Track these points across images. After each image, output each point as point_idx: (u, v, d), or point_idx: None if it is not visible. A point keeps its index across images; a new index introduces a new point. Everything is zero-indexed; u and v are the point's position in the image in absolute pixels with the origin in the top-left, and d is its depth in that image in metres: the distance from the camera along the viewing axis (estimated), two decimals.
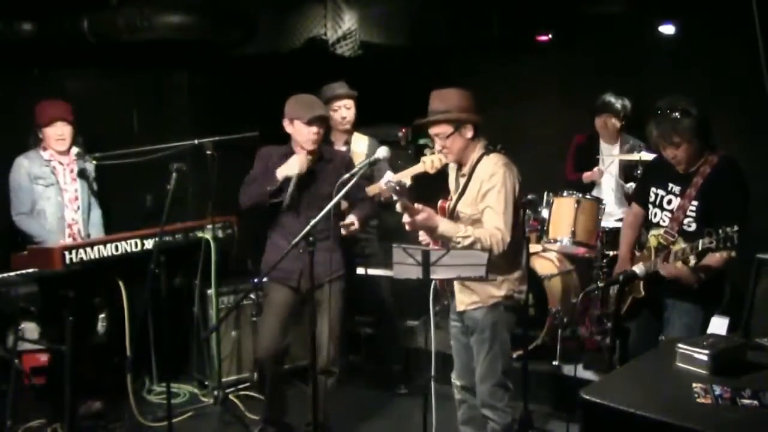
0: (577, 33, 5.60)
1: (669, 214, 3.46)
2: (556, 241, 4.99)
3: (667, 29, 5.28)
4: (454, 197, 3.49)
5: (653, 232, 3.54)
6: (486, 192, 3.32)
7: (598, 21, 5.35)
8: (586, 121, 5.38)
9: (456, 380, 3.66)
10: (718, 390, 2.41)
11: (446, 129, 3.37)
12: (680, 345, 2.66)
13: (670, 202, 3.47)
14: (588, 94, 5.33)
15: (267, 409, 4.15)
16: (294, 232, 3.79)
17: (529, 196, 3.89)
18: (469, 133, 3.38)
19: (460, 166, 3.52)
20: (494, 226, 3.27)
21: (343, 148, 4.74)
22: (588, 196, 5.00)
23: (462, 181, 3.48)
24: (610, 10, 5.13)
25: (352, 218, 3.93)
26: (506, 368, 3.51)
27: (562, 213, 4.93)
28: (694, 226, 3.36)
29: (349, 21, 5.04)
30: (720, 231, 3.00)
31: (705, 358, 2.57)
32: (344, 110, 4.71)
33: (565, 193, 4.99)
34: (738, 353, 2.71)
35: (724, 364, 2.57)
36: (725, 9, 4.53)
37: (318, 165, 3.95)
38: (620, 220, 4.73)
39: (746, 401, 2.35)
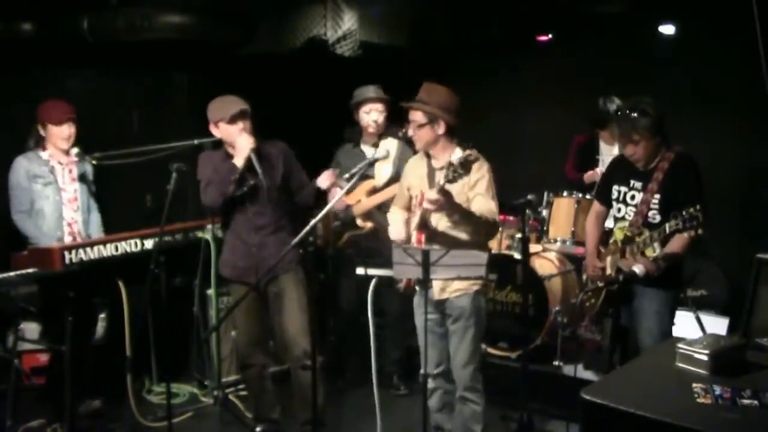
0: (578, 33, 5.60)
1: (633, 209, 3.66)
2: (556, 241, 5.00)
3: (667, 29, 5.29)
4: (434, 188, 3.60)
5: (619, 225, 3.75)
6: (476, 181, 3.52)
7: (598, 21, 5.35)
8: (586, 122, 5.37)
9: (430, 370, 3.67)
10: (718, 390, 2.41)
11: (421, 118, 3.58)
12: (680, 345, 2.66)
13: (633, 197, 3.68)
14: (588, 94, 5.33)
15: (255, 408, 4.21)
16: (242, 228, 3.95)
17: (529, 196, 3.92)
18: (441, 130, 3.57)
19: (428, 159, 3.69)
20: (488, 209, 3.49)
21: (371, 151, 4.71)
22: (588, 196, 5.00)
23: (441, 173, 3.54)
24: (610, 10, 5.13)
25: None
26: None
27: (562, 213, 4.93)
28: (658, 218, 3.56)
29: (349, 21, 5.03)
30: (684, 212, 3.15)
31: (705, 358, 2.57)
32: (375, 113, 4.69)
33: (565, 193, 5.00)
34: (738, 353, 2.71)
35: (724, 364, 2.58)
36: (725, 9, 4.53)
37: (259, 155, 3.88)
38: None
39: (746, 401, 2.35)
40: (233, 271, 4.03)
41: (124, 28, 4.91)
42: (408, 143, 4.56)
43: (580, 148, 5.43)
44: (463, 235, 3.57)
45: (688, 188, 3.49)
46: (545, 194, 5.06)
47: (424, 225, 3.54)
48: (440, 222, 3.56)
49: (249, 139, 3.82)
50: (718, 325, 4.82)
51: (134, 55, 5.32)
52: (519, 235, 4.68)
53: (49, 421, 4.18)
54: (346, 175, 3.62)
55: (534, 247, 5.06)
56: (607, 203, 3.86)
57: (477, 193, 3.51)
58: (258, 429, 4.17)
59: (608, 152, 5.29)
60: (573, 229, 4.89)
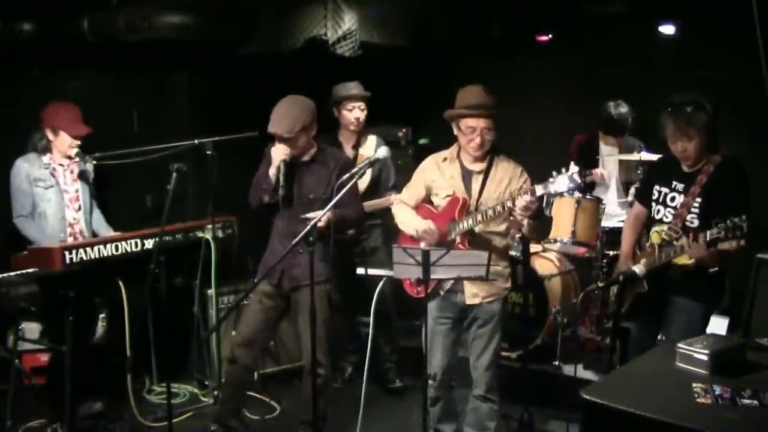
0: (577, 33, 5.59)
1: (672, 211, 3.51)
2: (556, 241, 5.00)
3: (667, 29, 5.28)
4: (472, 194, 3.59)
5: (656, 228, 3.58)
6: (521, 186, 3.56)
7: (598, 21, 5.34)
8: (586, 121, 5.37)
9: (438, 376, 3.68)
10: (718, 390, 2.41)
11: (490, 123, 3.52)
12: (680, 345, 2.67)
13: (673, 199, 3.52)
14: (588, 94, 5.33)
15: (220, 407, 4.14)
16: (284, 232, 3.93)
17: None
18: None
19: (459, 162, 3.63)
20: None
21: (352, 152, 4.71)
22: (588, 196, 5.00)
23: (479, 178, 3.61)
24: (611, 11, 5.13)
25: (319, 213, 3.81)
26: None
27: (562, 213, 4.93)
28: (696, 223, 3.41)
29: (349, 21, 5.03)
30: (728, 221, 3.04)
31: (705, 358, 2.58)
32: (358, 111, 4.68)
33: (565, 193, 4.98)
34: (738, 353, 2.72)
35: (724, 364, 2.58)
36: (725, 9, 4.53)
37: (310, 166, 3.94)
38: (622, 221, 4.73)
39: (746, 401, 2.35)
40: (263, 267, 4.01)
41: (124, 28, 4.91)
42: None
43: (580, 148, 5.43)
44: (499, 240, 3.61)
45: (733, 194, 3.34)
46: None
47: (469, 230, 3.54)
48: (485, 227, 3.56)
49: (282, 150, 3.81)
50: (718, 325, 4.81)
51: (134, 55, 5.32)
52: (519, 235, 4.68)
53: (49, 421, 4.18)
54: (346, 176, 3.59)
55: (534, 247, 5.06)
56: (648, 205, 3.69)
57: None
58: (213, 428, 4.12)
59: (608, 152, 5.30)
60: (573, 229, 4.89)
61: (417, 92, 4.69)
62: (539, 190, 3.32)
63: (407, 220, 3.74)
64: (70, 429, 3.93)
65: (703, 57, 5.16)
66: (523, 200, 3.33)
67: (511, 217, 3.59)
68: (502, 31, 5.49)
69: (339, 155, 4.09)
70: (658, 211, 3.58)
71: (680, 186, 3.50)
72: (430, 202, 3.77)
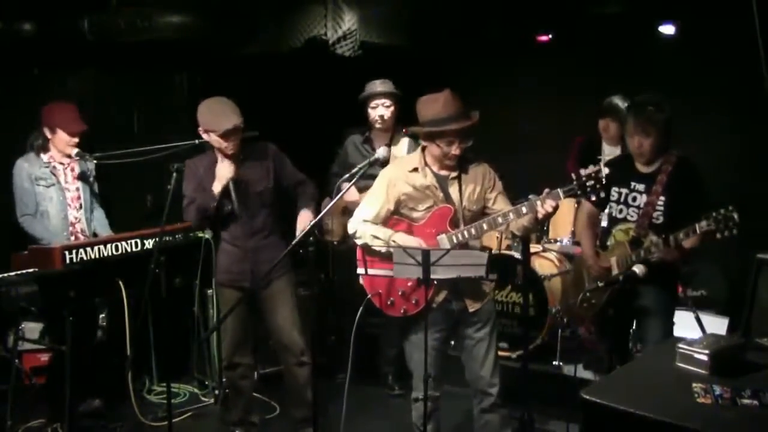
0: (577, 33, 5.60)
1: (636, 210, 3.69)
2: (556, 241, 5.01)
3: (667, 29, 5.29)
4: (454, 202, 3.45)
5: (620, 227, 3.76)
6: (494, 182, 3.56)
7: (598, 21, 5.34)
8: (586, 122, 5.37)
9: (432, 392, 3.48)
10: (718, 390, 2.41)
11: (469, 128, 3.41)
12: (680, 345, 2.67)
13: (635, 199, 3.70)
14: (588, 94, 5.33)
15: (235, 410, 4.17)
16: (236, 234, 3.95)
17: (530, 196, 3.93)
18: None
19: (429, 169, 3.47)
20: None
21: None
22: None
23: (454, 183, 3.47)
24: (610, 11, 5.13)
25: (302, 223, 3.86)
26: None
27: (562, 213, 4.92)
28: (662, 219, 3.60)
29: (349, 21, 5.03)
30: (715, 214, 3.20)
31: (705, 357, 2.58)
32: (382, 108, 4.64)
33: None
34: (738, 353, 2.72)
35: (724, 364, 2.58)
36: (725, 9, 4.53)
37: (245, 164, 3.92)
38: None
39: (746, 401, 2.35)
40: (227, 275, 4.03)
41: (124, 28, 4.92)
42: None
43: (581, 148, 5.43)
44: (478, 242, 3.57)
45: (697, 190, 3.55)
46: (545, 194, 5.05)
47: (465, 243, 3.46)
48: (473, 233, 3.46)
49: (229, 167, 3.82)
50: (718, 325, 4.82)
51: (134, 55, 5.32)
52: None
53: (49, 421, 4.18)
54: (346, 176, 3.57)
55: (534, 247, 5.07)
56: (601, 205, 3.87)
57: (499, 192, 3.56)
58: (237, 431, 4.15)
59: (610, 153, 5.29)
60: (573, 229, 4.90)
61: (417, 92, 4.67)
62: (562, 192, 3.31)
63: (386, 238, 3.44)
64: (70, 429, 3.93)
65: (702, 57, 5.17)
66: (548, 205, 3.30)
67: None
68: (502, 31, 5.49)
69: (266, 145, 4.04)
70: (621, 211, 3.75)
71: (640, 186, 3.67)
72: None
